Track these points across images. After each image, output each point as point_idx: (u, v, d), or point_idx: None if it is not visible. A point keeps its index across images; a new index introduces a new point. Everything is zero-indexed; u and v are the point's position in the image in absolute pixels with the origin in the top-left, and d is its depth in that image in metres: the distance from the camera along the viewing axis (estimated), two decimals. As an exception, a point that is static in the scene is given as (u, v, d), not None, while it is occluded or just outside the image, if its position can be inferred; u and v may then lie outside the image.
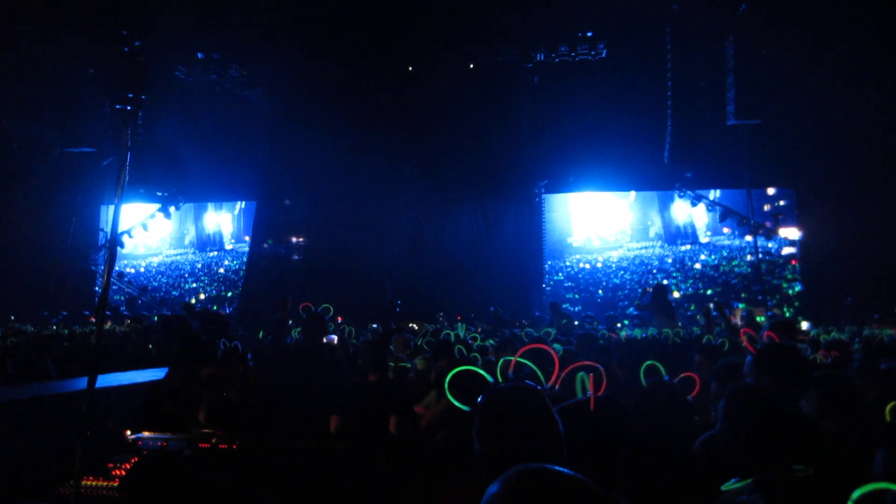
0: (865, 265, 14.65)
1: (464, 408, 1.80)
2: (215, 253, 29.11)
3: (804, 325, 12.05)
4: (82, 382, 3.76)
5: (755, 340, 4.35)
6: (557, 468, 1.17)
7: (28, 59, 15.65)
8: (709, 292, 19.88)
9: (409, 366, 5.29)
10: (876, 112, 14.78)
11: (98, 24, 15.77)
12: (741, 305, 17.04)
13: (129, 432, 4.08)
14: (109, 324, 13.31)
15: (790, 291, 18.29)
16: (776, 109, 14.91)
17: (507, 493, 1.13)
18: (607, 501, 1.12)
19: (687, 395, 3.22)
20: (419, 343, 6.64)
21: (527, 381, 2.05)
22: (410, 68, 17.73)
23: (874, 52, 14.62)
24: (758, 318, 11.85)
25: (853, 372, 3.98)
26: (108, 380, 5.32)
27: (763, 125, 14.94)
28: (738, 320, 13.91)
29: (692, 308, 18.08)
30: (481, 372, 1.77)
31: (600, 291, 21.40)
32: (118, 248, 21.37)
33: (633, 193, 26.57)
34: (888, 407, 2.63)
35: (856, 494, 1.65)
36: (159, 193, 19.86)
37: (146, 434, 4.06)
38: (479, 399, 1.80)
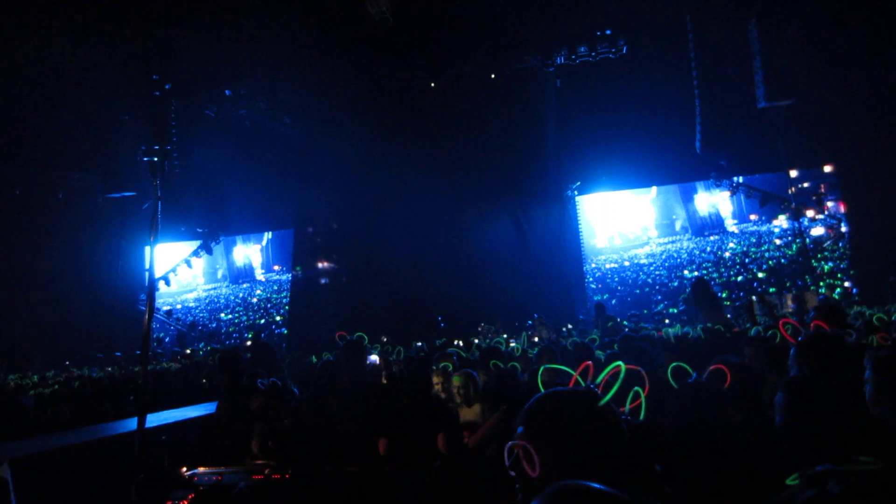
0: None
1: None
2: (247, 284, 29.87)
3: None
4: (136, 423, 3.86)
5: (797, 331, 4.20)
6: (593, 485, 1.16)
7: (66, 109, 16.26)
8: (740, 279, 19.55)
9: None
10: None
11: (131, 70, 16.31)
12: (773, 290, 16.66)
13: (185, 469, 4.15)
14: (166, 362, 13.66)
15: (822, 270, 17.86)
16: (807, 87, 14.52)
17: None
18: None
19: (720, 387, 3.14)
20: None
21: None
22: (433, 84, 17.84)
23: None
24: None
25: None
26: (162, 417, 5.45)
27: (796, 105, 14.57)
28: (791, 304, 13.55)
29: (724, 294, 17.76)
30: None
31: (637, 290, 21.11)
32: (165, 286, 21.96)
33: (654, 189, 26.28)
34: None
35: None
36: (199, 230, 20.34)
37: (201, 469, 4.12)
38: (550, 410, 1.72)
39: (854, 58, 14.14)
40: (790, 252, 19.99)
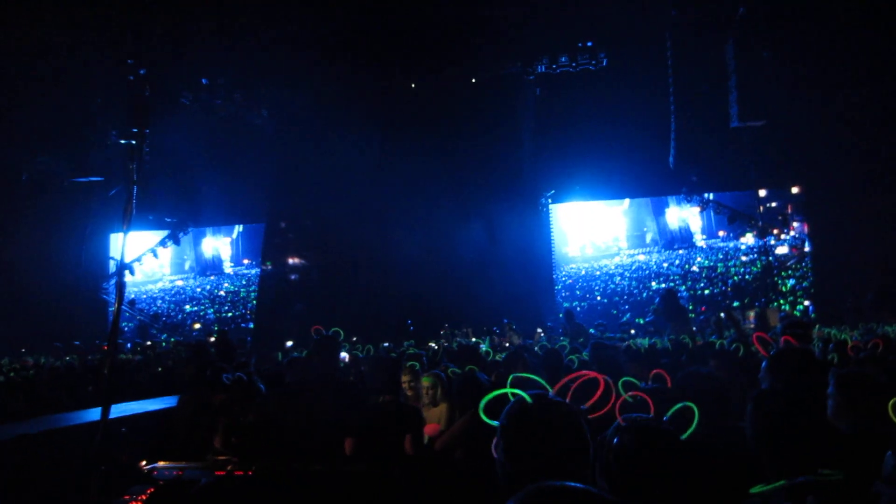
0: (875, 261, 14.55)
1: (493, 423, 1.79)
2: (214, 277, 29.47)
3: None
4: (95, 413, 3.76)
5: (768, 344, 4.31)
6: (573, 484, 1.12)
7: (35, 90, 15.83)
8: (706, 293, 19.99)
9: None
10: (878, 110, 14.75)
11: (103, 53, 15.96)
12: (737, 304, 17.05)
13: (144, 463, 4.05)
14: (127, 353, 13.35)
15: (783, 288, 18.37)
16: (779, 110, 14.88)
17: None
18: None
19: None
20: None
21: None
22: (413, 85, 17.83)
23: (875, 49, 14.58)
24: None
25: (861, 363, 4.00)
26: (121, 409, 5.32)
27: (767, 126, 14.92)
28: (752, 321, 13.86)
29: (689, 307, 18.15)
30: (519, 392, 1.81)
31: (605, 300, 21.40)
32: (129, 276, 21.52)
33: (627, 201, 26.68)
34: (891, 403, 2.60)
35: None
36: (168, 220, 19.96)
37: (161, 464, 4.02)
38: (506, 412, 1.77)
39: (826, 84, 14.56)
40: (755, 269, 20.48)
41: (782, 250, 19.88)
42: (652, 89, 16.03)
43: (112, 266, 19.54)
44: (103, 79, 16.55)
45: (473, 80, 17.65)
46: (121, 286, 2.60)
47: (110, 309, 19.38)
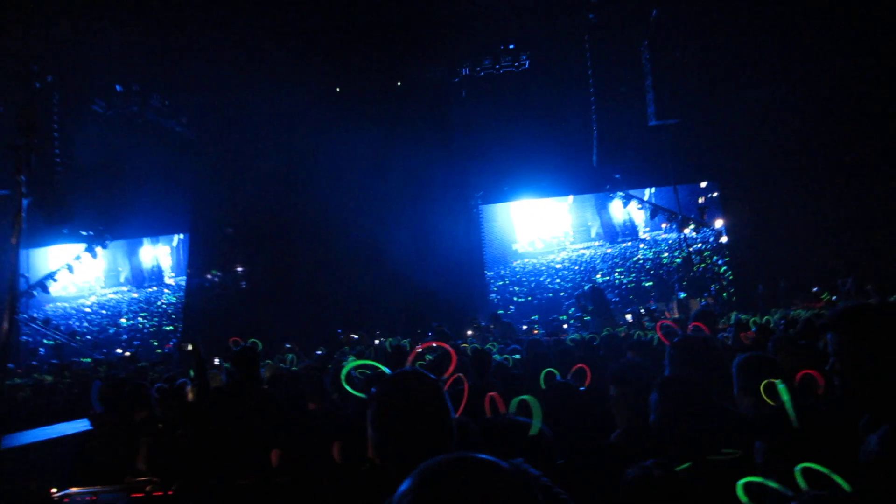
0: (785, 252, 15.40)
1: (360, 395, 1.79)
2: (154, 288, 28.25)
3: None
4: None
5: (673, 333, 4.51)
6: (477, 455, 1.03)
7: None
8: (649, 284, 20.56)
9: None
10: (787, 107, 15.60)
11: (7, 59, 15.13)
12: (683, 295, 17.64)
13: (55, 490, 3.85)
14: (41, 375, 12.67)
15: (731, 276, 19.07)
16: (695, 109, 15.50)
17: (420, 486, 0.98)
18: (535, 487, 1.02)
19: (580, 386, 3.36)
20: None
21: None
22: (338, 89, 17.66)
23: (785, 47, 15.39)
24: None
25: (773, 347, 4.23)
26: (32, 436, 5.03)
27: (684, 124, 15.52)
28: (678, 312, 14.40)
29: (631, 297, 18.72)
30: (378, 365, 1.83)
31: (549, 294, 21.80)
32: (45, 293, 20.42)
33: (571, 197, 27.26)
34: (761, 386, 2.76)
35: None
36: (84, 233, 19.03)
37: (74, 490, 3.84)
38: (374, 388, 1.77)
39: (738, 82, 15.29)
40: (695, 259, 21.19)
41: (725, 239, 20.47)
42: (574, 90, 16.46)
43: (23, 283, 18.47)
44: (7, 86, 15.66)
45: (399, 84, 17.64)
46: (12, 304, 2.46)
47: (24, 329, 18.33)
